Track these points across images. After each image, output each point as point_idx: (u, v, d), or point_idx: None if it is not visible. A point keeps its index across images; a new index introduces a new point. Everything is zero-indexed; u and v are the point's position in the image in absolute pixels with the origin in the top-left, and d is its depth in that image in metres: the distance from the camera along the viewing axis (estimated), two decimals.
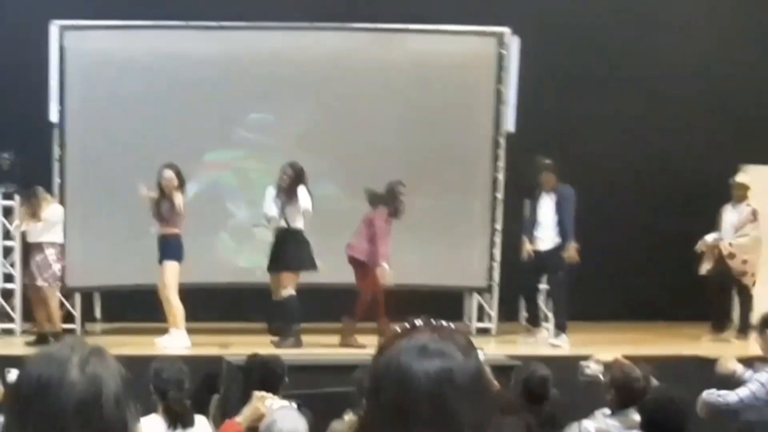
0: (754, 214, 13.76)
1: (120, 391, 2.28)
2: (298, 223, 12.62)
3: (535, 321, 13.83)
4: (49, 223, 12.65)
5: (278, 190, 12.71)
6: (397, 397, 2.12)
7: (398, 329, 2.24)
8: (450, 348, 2.16)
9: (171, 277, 12.33)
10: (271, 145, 14.06)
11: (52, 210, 12.77)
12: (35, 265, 12.57)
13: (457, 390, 2.11)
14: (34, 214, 12.65)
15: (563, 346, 12.94)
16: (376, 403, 2.16)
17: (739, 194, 13.81)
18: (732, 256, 13.70)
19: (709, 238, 13.80)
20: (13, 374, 8.53)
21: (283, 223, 12.63)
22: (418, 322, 2.25)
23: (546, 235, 13.40)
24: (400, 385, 2.12)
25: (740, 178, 13.86)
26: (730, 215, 13.87)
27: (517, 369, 7.90)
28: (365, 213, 12.89)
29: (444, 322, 2.28)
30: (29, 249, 12.81)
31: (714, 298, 13.90)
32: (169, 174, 12.36)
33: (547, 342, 13.22)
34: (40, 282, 12.54)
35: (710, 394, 8.52)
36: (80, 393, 2.23)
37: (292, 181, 12.63)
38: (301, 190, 12.61)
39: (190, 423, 7.16)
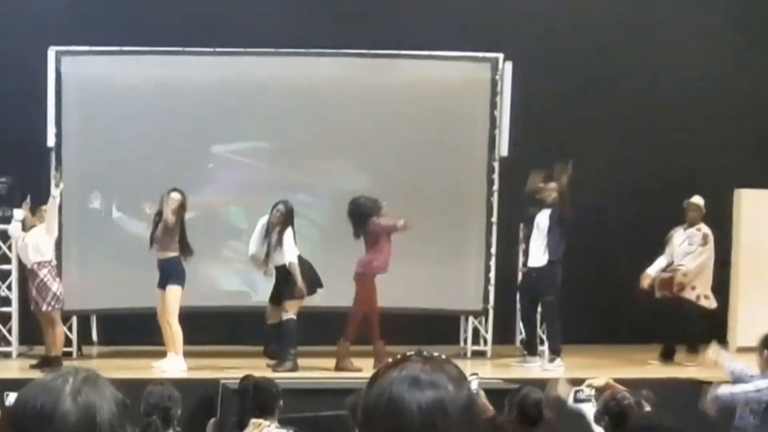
0: (705, 239, 13.65)
1: (114, 417, 2.27)
2: (292, 257, 12.68)
3: (531, 348, 13.74)
4: (46, 233, 12.61)
5: (269, 226, 12.79)
6: (389, 428, 2.14)
7: (390, 360, 2.26)
8: (441, 379, 2.18)
9: (174, 302, 12.33)
10: (265, 170, 14.15)
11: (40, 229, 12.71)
12: (35, 291, 12.56)
13: (449, 421, 2.14)
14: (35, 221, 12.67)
15: (558, 370, 12.78)
16: None
17: (693, 216, 13.67)
18: (682, 287, 13.60)
19: (652, 271, 13.69)
20: (11, 398, 8.54)
21: (278, 261, 12.68)
22: (410, 353, 2.27)
23: (536, 253, 13.40)
24: (393, 417, 2.14)
25: (695, 199, 13.72)
26: (679, 238, 13.71)
27: (510, 393, 7.94)
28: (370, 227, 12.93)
29: (435, 353, 2.29)
30: (28, 274, 12.81)
31: (666, 323, 13.76)
32: (175, 196, 12.40)
33: (542, 368, 13.19)
34: (45, 308, 12.49)
35: (723, 388, 8.60)
36: (73, 423, 2.22)
37: (282, 220, 12.73)
38: (287, 235, 12.67)
39: None
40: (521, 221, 13.94)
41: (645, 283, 13.63)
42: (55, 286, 12.58)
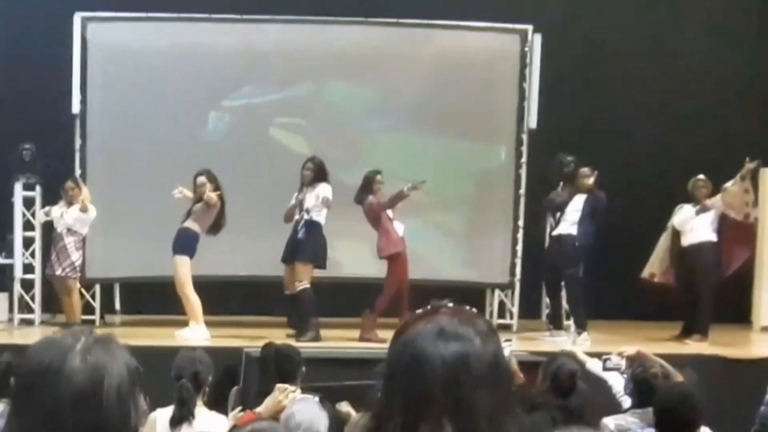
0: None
1: (124, 383, 2.17)
2: (319, 217, 12.55)
3: (556, 321, 13.57)
4: (87, 216, 12.60)
5: (300, 187, 12.64)
6: (412, 381, 2.05)
7: (419, 311, 2.16)
8: (469, 332, 2.09)
9: (183, 272, 12.24)
10: (290, 139, 14.05)
11: (92, 207, 12.69)
12: (55, 255, 12.58)
13: (473, 377, 2.04)
14: (71, 202, 12.61)
15: (584, 345, 12.62)
16: (390, 387, 2.09)
17: (704, 192, 13.26)
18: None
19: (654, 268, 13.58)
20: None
21: (304, 215, 12.55)
22: (440, 304, 2.16)
23: (563, 226, 13.22)
24: (415, 369, 2.05)
25: (699, 177, 13.35)
26: (690, 212, 13.35)
27: (544, 364, 7.83)
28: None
29: (466, 307, 2.19)
30: (53, 238, 12.78)
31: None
32: (201, 180, 12.32)
33: (572, 343, 13.02)
34: (59, 272, 12.55)
35: None
36: (80, 382, 2.13)
37: (313, 175, 12.58)
38: (323, 188, 12.53)
39: (192, 412, 7.10)
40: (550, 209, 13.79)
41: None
42: (75, 256, 12.60)
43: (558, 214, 13.44)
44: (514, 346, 10.61)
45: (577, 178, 13.23)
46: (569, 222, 13.17)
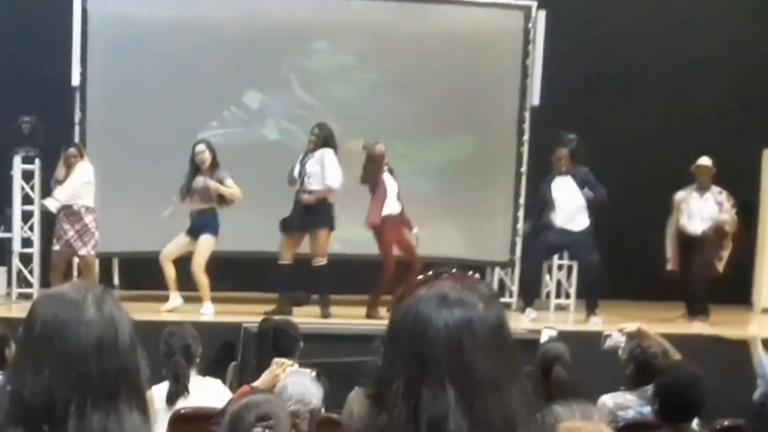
0: (730, 198, 13.26)
1: (133, 333, 2.30)
2: (334, 181, 12.35)
3: (529, 300, 13.51)
4: (83, 180, 12.37)
5: (305, 153, 12.50)
6: (414, 345, 2.04)
7: (421, 277, 2.15)
8: (471, 297, 2.08)
9: (207, 251, 12.22)
10: (296, 114, 13.98)
11: (87, 167, 12.40)
12: (77, 234, 12.25)
13: (477, 342, 2.03)
14: (70, 166, 12.39)
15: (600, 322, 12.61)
16: (393, 352, 2.08)
17: (706, 179, 13.21)
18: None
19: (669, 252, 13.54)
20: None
21: (313, 186, 12.36)
22: (442, 270, 2.16)
23: (575, 217, 13.14)
24: (418, 334, 2.04)
25: (705, 161, 13.25)
26: (698, 203, 13.27)
27: (539, 345, 7.84)
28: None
29: (468, 273, 2.19)
30: (63, 215, 12.35)
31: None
32: (201, 147, 12.22)
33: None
34: (84, 251, 12.28)
35: None
36: (99, 330, 2.24)
37: (319, 142, 12.42)
38: (329, 155, 12.41)
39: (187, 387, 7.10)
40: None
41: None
42: (97, 234, 12.39)
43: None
44: (513, 325, 10.55)
45: (554, 161, 13.18)
46: (574, 211, 13.07)
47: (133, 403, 2.27)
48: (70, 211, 12.25)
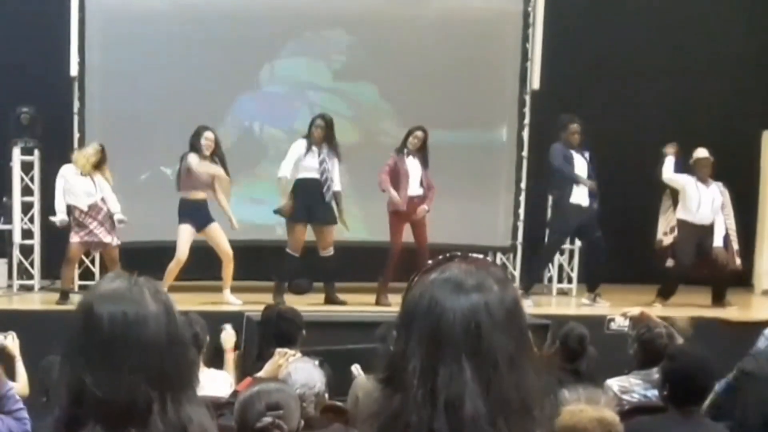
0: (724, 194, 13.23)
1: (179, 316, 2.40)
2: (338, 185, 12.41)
3: (528, 284, 13.30)
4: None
5: (308, 143, 12.38)
6: (431, 327, 2.04)
7: (431, 261, 2.16)
8: (487, 280, 2.08)
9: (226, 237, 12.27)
10: (295, 103, 13.94)
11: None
12: (101, 226, 12.17)
13: (493, 321, 2.04)
14: (98, 166, 12.31)
15: (604, 308, 12.51)
16: (407, 334, 2.07)
17: (706, 171, 13.06)
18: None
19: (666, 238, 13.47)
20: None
21: (336, 187, 12.31)
22: (454, 254, 2.17)
23: (582, 192, 13.00)
24: (434, 317, 2.04)
25: (703, 153, 13.12)
26: (704, 191, 13.11)
27: (553, 327, 7.81)
28: None
29: (480, 255, 2.19)
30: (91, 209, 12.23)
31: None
32: (211, 135, 12.10)
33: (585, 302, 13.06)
34: (114, 242, 12.25)
35: None
36: (165, 325, 2.31)
37: (325, 134, 12.31)
38: (337, 164, 12.39)
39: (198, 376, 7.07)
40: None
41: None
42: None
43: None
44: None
45: (568, 134, 13.01)
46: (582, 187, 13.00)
47: (197, 391, 2.36)
48: (92, 206, 12.21)
